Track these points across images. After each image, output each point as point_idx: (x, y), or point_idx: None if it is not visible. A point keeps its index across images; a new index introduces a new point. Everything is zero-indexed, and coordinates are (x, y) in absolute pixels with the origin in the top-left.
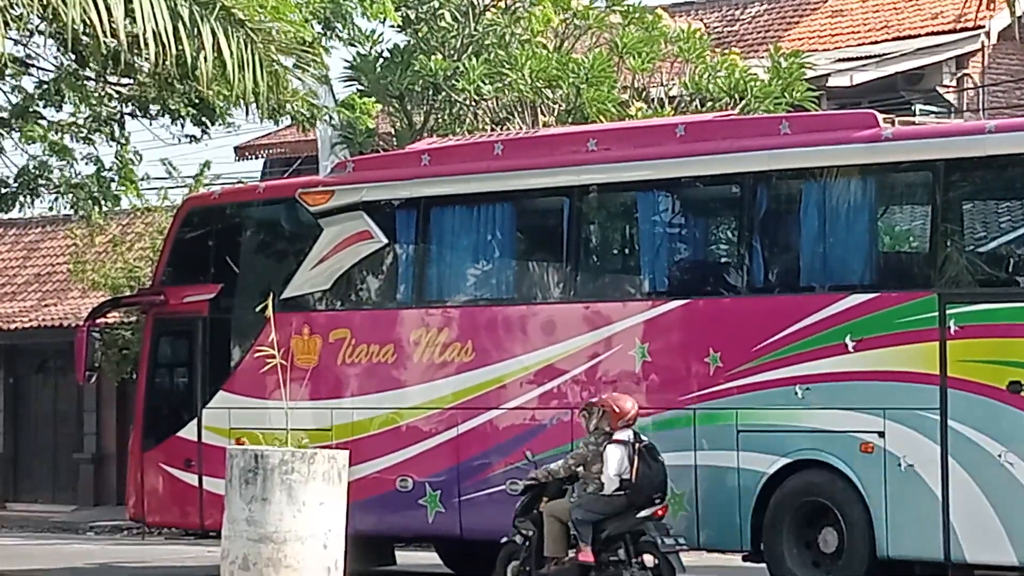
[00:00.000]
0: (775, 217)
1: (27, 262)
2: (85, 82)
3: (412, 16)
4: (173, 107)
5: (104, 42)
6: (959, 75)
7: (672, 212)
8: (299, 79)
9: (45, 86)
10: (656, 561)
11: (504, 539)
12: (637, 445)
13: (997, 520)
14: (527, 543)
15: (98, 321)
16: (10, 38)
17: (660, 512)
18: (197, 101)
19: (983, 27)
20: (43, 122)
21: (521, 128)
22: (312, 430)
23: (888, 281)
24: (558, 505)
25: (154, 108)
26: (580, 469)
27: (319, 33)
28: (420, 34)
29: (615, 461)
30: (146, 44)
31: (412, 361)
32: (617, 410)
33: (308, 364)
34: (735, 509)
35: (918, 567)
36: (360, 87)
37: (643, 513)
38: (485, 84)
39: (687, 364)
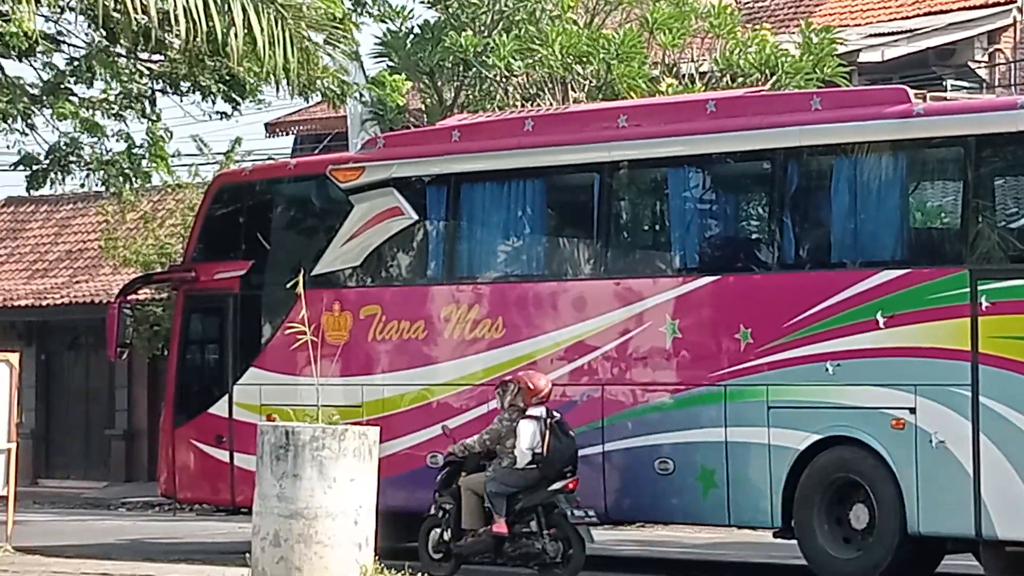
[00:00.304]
0: (806, 193)
1: (59, 239)
2: (116, 59)
3: None
4: (204, 84)
5: (135, 18)
6: (991, 50)
7: (703, 188)
8: (329, 55)
9: (76, 63)
10: (566, 532)
11: (427, 512)
12: (549, 420)
13: None
14: (447, 516)
15: (129, 298)
16: (41, 15)
17: (571, 485)
18: (228, 78)
19: (1015, 2)
20: (74, 99)
21: (551, 104)
22: (343, 406)
23: (919, 257)
24: (475, 479)
25: (185, 85)
26: (496, 445)
27: (349, 9)
28: (450, 10)
29: (527, 436)
30: (177, 20)
31: (443, 337)
32: (531, 387)
33: (339, 340)
34: (766, 486)
35: (949, 543)
36: (390, 63)
37: (555, 486)
38: (515, 60)
39: (717, 340)
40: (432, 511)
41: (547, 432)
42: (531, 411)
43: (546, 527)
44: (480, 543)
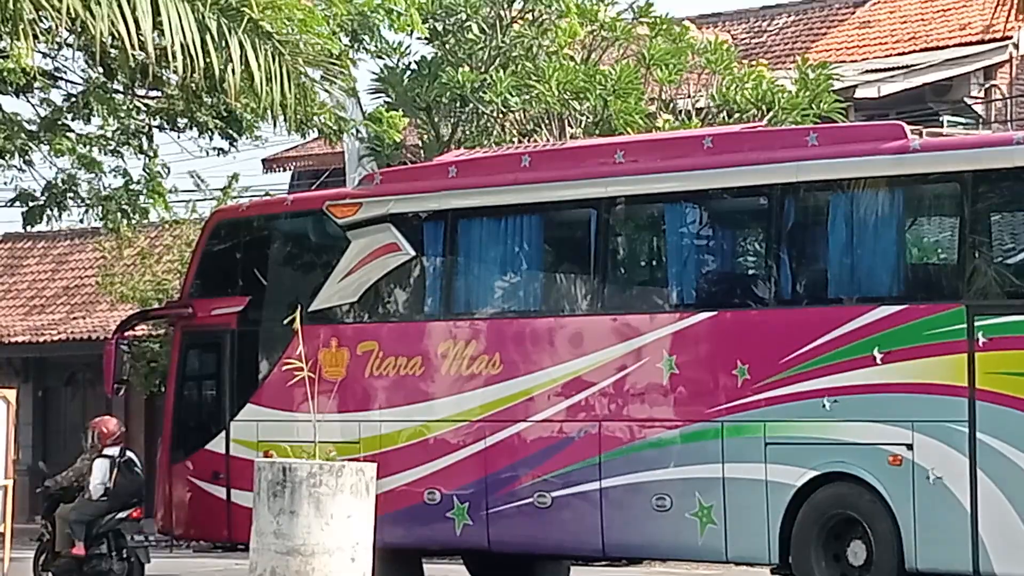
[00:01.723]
0: (803, 229)
1: (56, 275)
2: (113, 95)
3: (439, 28)
4: (201, 120)
5: (132, 55)
6: (987, 86)
7: (700, 224)
8: (326, 91)
9: (74, 99)
10: (130, 555)
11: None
12: (119, 460)
13: None
14: (47, 540)
15: (127, 334)
16: (39, 51)
17: (135, 514)
18: (225, 114)
19: (1011, 38)
20: (71, 135)
21: (548, 140)
22: (340, 443)
23: (916, 293)
24: (64, 509)
25: (182, 121)
26: (82, 480)
27: (346, 46)
28: (447, 46)
29: (100, 472)
30: (174, 57)
31: (440, 373)
32: (104, 431)
33: (336, 377)
34: (763, 522)
35: None
36: (387, 99)
37: (121, 515)
38: (512, 96)
39: (715, 376)
40: (40, 536)
41: (115, 470)
42: (106, 451)
43: (115, 549)
44: (65, 563)
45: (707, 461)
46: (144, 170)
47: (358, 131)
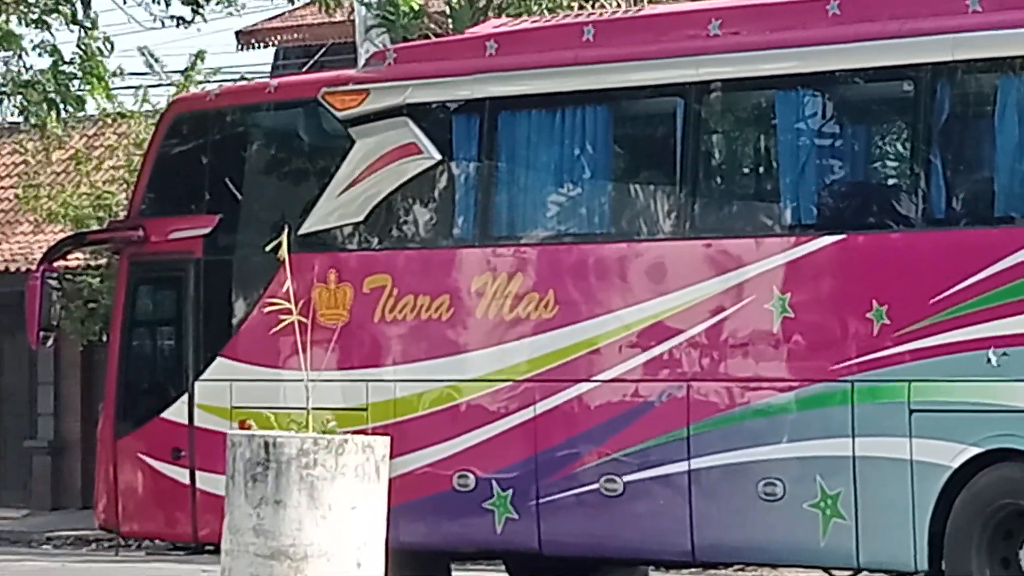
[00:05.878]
0: (962, 123)
1: None
2: None
3: None
4: None
5: None
6: None
7: (823, 118)
8: None
9: None
10: None
11: None
12: None
13: None
14: None
15: (56, 265)
16: None
17: None
18: None
19: None
20: None
21: (620, 5)
22: (341, 410)
23: None
24: None
25: None
26: None
27: None
28: None
29: None
30: None
31: (474, 318)
32: None
33: (335, 322)
34: (907, 516)
35: None
36: None
37: None
38: None
39: (842, 321)
40: None
41: None
42: None
43: None
44: None
45: (832, 435)
46: (79, 46)
47: None
